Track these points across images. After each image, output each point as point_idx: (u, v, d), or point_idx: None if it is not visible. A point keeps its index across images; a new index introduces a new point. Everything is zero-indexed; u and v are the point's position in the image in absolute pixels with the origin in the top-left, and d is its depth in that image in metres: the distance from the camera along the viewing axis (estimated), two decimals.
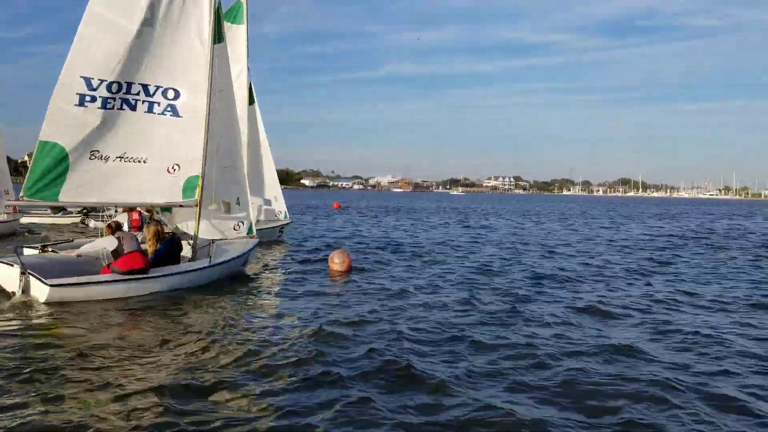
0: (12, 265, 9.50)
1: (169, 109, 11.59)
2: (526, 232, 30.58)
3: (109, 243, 10.35)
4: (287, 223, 22.50)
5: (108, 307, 9.43)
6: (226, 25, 19.30)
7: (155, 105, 11.44)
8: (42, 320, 8.58)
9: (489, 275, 14.47)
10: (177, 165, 11.79)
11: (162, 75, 11.38)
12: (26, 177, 10.45)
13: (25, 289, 9.38)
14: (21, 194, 10.49)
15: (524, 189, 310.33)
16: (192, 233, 12.28)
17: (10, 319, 8.54)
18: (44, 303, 9.25)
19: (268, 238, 20.77)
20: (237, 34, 20.07)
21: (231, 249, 12.58)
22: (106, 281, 9.97)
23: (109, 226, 11.16)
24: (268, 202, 22.44)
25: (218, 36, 11.96)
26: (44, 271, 9.52)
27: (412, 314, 9.73)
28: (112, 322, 8.69)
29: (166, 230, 11.97)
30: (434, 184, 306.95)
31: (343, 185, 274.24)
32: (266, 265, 15.24)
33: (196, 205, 12.03)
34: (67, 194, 10.80)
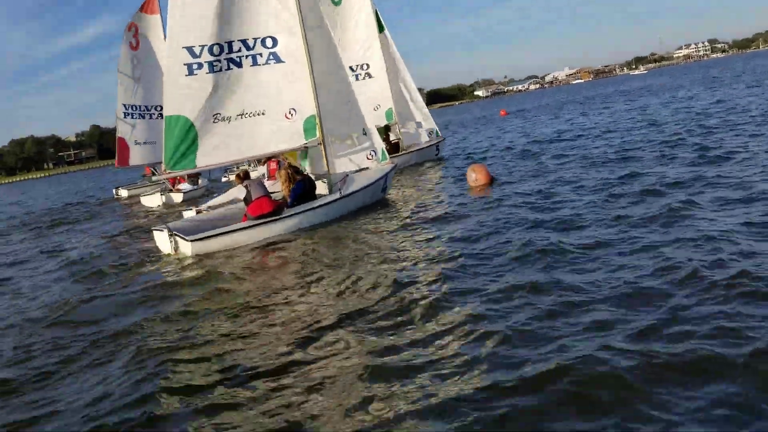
0: (162, 230, 10.72)
1: (272, 57, 11.90)
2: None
3: (238, 192, 11.13)
4: (440, 141, 22.69)
5: (248, 252, 10.18)
6: None
7: (258, 57, 11.81)
8: (193, 272, 9.47)
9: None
10: (293, 109, 12.16)
11: (256, 27, 11.70)
12: (163, 152, 11.40)
13: (176, 248, 10.54)
14: (162, 168, 11.50)
15: (722, 52, 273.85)
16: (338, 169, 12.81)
17: (169, 273, 9.63)
18: (191, 256, 10.28)
19: (427, 157, 21.45)
20: None
21: (363, 179, 12.79)
22: (239, 229, 10.75)
23: (237, 176, 11.83)
24: (419, 125, 22.59)
25: None
26: (188, 230, 10.52)
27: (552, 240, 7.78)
28: (251, 266, 9.36)
29: (301, 173, 12.46)
30: (617, 67, 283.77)
31: (519, 88, 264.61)
32: (411, 187, 15.35)
33: (320, 144, 12.35)
34: (202, 159, 11.65)
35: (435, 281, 6.81)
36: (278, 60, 11.94)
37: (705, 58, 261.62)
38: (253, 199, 10.99)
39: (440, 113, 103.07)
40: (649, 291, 5.57)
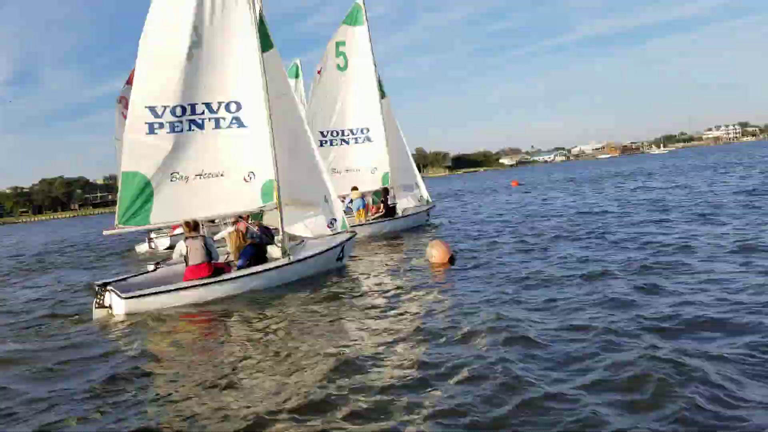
0: (97, 286, 10.72)
1: (234, 121, 12.12)
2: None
3: (181, 248, 11.21)
4: (431, 207, 23.18)
5: (186, 312, 10.18)
6: (347, 28, 20.59)
7: (221, 120, 12.03)
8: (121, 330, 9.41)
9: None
10: (252, 173, 12.29)
11: (221, 91, 11.97)
12: (117, 206, 11.49)
13: (110, 304, 10.49)
14: (115, 222, 11.56)
15: (753, 135, 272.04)
16: (296, 234, 12.83)
17: (96, 332, 9.57)
18: (125, 314, 10.25)
19: (419, 222, 21.89)
20: (359, 35, 21.05)
21: (318, 246, 12.75)
22: (176, 289, 10.73)
23: (186, 223, 11.60)
24: (409, 188, 22.80)
25: (265, 44, 12.30)
26: (126, 288, 10.49)
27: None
28: (181, 328, 9.29)
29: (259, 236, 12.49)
30: (644, 143, 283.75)
31: (545, 159, 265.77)
32: (376, 254, 15.27)
33: (277, 208, 12.40)
34: (157, 216, 11.71)
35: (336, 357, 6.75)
36: (241, 124, 12.15)
37: (735, 140, 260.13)
38: (190, 263, 10.97)
39: (458, 179, 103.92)
40: None
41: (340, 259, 13.32)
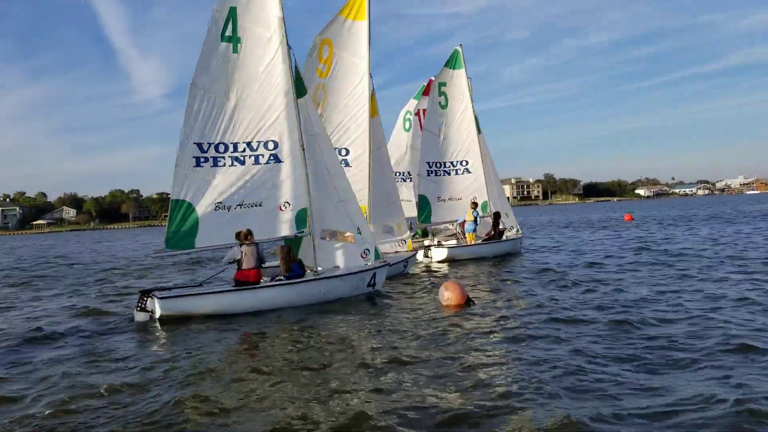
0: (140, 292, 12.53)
1: (272, 157, 13.45)
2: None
3: (235, 253, 12.67)
4: (521, 237, 24.54)
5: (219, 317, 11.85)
6: (448, 71, 23.01)
7: (260, 156, 13.39)
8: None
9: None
10: (287, 202, 13.55)
11: (260, 131, 13.40)
12: (166, 231, 13.00)
13: (152, 309, 12.10)
14: (163, 246, 13.05)
15: None
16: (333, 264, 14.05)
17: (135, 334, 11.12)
18: (162, 315, 11.83)
19: (509, 251, 23.28)
20: (458, 78, 23.32)
21: (347, 270, 13.82)
22: (208, 293, 12.49)
23: (240, 233, 12.88)
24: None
25: (300, 91, 13.69)
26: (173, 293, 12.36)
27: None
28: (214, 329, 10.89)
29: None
30: None
31: (686, 192, 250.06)
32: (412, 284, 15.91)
33: (309, 234, 13.55)
34: (201, 241, 13.15)
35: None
36: (277, 160, 13.45)
37: None
38: (243, 267, 12.44)
39: (580, 209, 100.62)
40: None
41: (372, 285, 14.13)
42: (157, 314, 11.86)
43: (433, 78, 23.82)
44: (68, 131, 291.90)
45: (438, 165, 22.78)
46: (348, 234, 14.08)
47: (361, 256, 14.28)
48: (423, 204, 22.34)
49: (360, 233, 14.25)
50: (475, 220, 22.11)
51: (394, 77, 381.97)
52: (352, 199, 14.30)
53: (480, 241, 22.27)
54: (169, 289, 13.11)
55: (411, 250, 18.84)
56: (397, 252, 18.38)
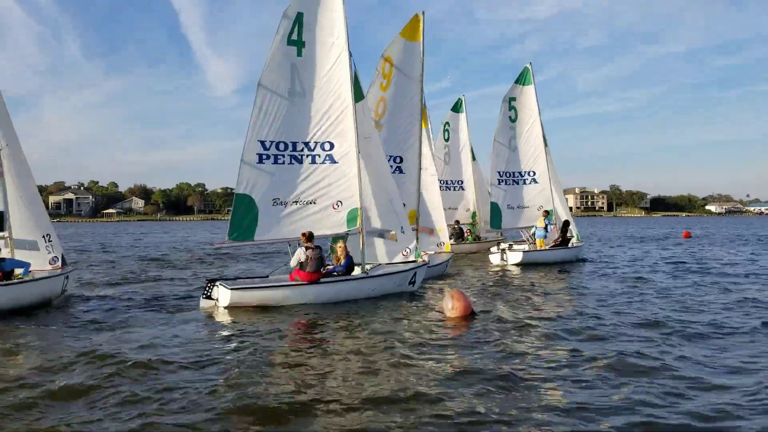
0: (207, 280, 13.43)
1: (327, 158, 14.33)
2: None
3: (300, 255, 13.36)
4: (580, 245, 25.43)
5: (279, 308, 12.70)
6: (518, 87, 24.72)
7: (317, 157, 14.28)
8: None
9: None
10: (340, 201, 14.38)
11: (318, 133, 14.28)
12: (229, 224, 14.02)
13: (217, 297, 12.97)
14: (226, 238, 14.09)
15: None
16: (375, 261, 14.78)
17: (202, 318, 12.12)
18: (228, 304, 12.68)
19: (575, 257, 24.38)
20: (527, 94, 25.01)
21: (391, 269, 14.52)
22: (274, 286, 13.31)
23: (303, 234, 13.62)
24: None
25: (358, 96, 14.56)
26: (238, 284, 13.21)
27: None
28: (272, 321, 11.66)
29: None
30: None
31: (761, 210, 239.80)
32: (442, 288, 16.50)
33: (359, 233, 14.35)
34: (260, 234, 14.12)
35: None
36: (333, 161, 14.32)
37: None
38: (306, 269, 13.24)
39: (643, 222, 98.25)
40: None
41: (412, 283, 14.86)
42: (226, 303, 12.66)
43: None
44: (142, 125, 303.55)
45: (508, 174, 24.39)
46: (393, 233, 14.87)
47: (402, 254, 15.06)
48: (494, 211, 24.03)
49: (403, 232, 15.01)
50: (546, 228, 23.19)
51: (464, 81, 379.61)
52: (398, 200, 15.07)
53: (548, 248, 23.32)
54: (234, 279, 14.05)
55: (449, 252, 20.34)
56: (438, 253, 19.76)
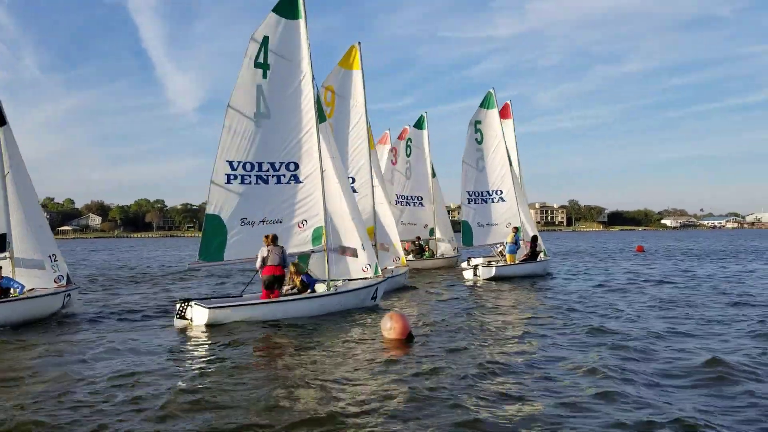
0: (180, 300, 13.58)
1: (292, 178, 14.86)
2: None
3: (263, 251, 13.85)
4: (547, 260, 26.67)
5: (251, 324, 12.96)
6: (482, 110, 25.95)
7: (282, 177, 14.79)
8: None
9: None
10: (305, 220, 14.92)
11: (283, 153, 14.77)
12: (200, 244, 14.28)
13: (191, 317, 13.09)
14: (197, 258, 14.39)
15: None
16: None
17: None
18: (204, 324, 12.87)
19: (543, 271, 25.64)
20: (491, 117, 26.33)
21: (356, 285, 15.13)
22: (244, 304, 13.61)
23: (266, 236, 14.12)
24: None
25: (321, 117, 15.14)
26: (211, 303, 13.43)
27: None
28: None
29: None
30: None
31: (714, 224, 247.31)
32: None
33: (324, 251, 14.88)
34: (228, 254, 14.48)
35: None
36: (297, 181, 14.85)
37: None
38: (269, 263, 13.75)
39: (601, 237, 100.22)
40: None
41: (374, 298, 15.46)
42: (204, 321, 12.81)
43: (407, 127, 29.14)
44: (102, 141, 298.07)
45: (477, 194, 25.60)
46: (355, 250, 15.45)
47: (363, 270, 15.65)
48: (466, 229, 25.16)
49: (363, 249, 15.60)
50: (516, 243, 24.14)
51: (429, 98, 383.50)
52: (359, 219, 15.67)
53: (518, 262, 24.33)
54: (208, 298, 14.29)
55: (404, 266, 21.48)
56: (394, 268, 20.71)
